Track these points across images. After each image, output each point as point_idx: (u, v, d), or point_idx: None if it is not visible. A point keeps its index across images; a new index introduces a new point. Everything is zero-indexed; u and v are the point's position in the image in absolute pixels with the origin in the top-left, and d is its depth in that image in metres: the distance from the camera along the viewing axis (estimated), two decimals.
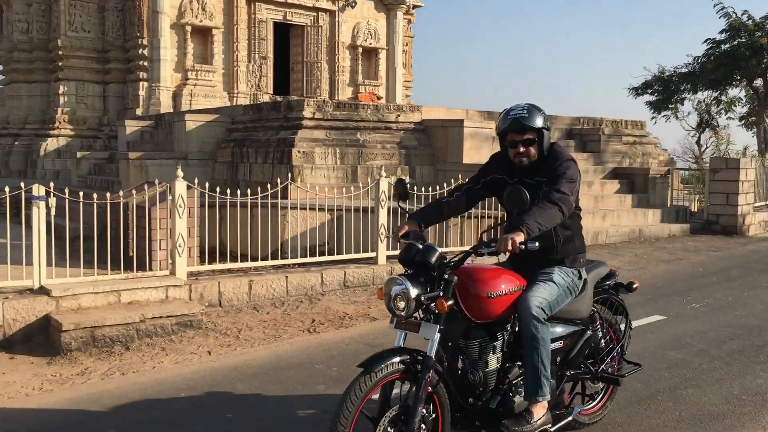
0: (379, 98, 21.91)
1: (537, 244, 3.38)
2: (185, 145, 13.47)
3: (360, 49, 22.66)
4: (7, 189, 6.62)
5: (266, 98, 20.48)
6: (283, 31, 21.89)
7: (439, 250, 3.44)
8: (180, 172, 7.56)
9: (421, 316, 3.50)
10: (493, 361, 3.64)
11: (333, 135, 11.98)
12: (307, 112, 11.95)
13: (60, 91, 19.75)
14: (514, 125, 3.73)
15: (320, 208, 9.94)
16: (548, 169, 3.73)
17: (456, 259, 3.61)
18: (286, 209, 10.05)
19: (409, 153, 12.56)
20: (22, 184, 6.68)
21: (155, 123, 16.62)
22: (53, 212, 6.64)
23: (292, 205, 9.97)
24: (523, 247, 3.36)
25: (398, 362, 3.34)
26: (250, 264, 8.20)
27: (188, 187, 7.64)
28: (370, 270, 8.56)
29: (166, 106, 19.04)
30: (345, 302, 7.94)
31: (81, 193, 7.18)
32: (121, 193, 7.71)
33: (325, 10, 21.92)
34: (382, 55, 23.25)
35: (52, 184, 6.77)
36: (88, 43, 19.87)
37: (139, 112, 19.09)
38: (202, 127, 13.61)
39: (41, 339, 6.36)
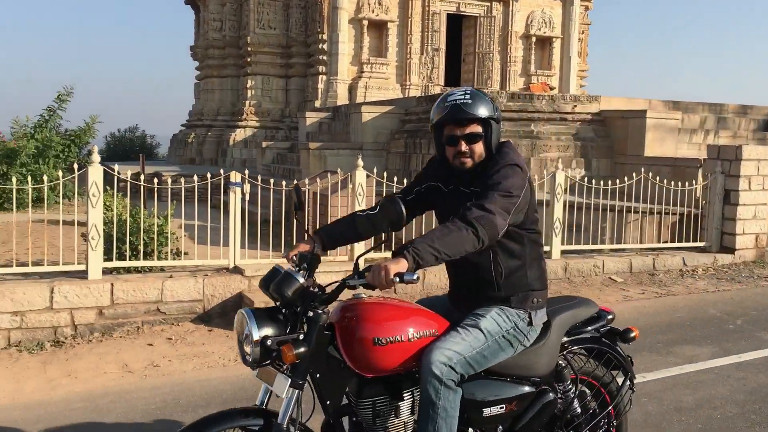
0: (551, 89, 21.35)
1: (416, 276, 2.42)
2: (361, 136, 13.96)
3: (533, 39, 22.20)
4: (208, 175, 7.24)
5: (437, 90, 20.69)
6: (455, 23, 21.95)
7: (301, 280, 2.53)
8: (360, 162, 7.85)
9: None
10: (397, 429, 2.75)
11: (506, 126, 11.85)
12: None
13: (248, 85, 21.19)
14: (453, 115, 2.76)
15: None
16: (484, 177, 2.76)
17: (329, 291, 2.65)
18: None
19: (585, 145, 12.14)
20: (222, 171, 7.27)
21: (332, 114, 17.37)
22: (247, 198, 7.17)
23: None
24: (397, 280, 2.41)
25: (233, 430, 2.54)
26: None
27: (367, 176, 7.91)
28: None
29: (342, 98, 19.83)
30: None
31: (272, 181, 7.67)
32: (306, 180, 8.15)
33: (499, 0, 21.69)
34: (557, 44, 22.61)
35: (246, 172, 7.31)
36: (273, 40, 21.12)
37: (317, 104, 20.02)
38: (377, 118, 14.03)
39: (232, 314, 6.91)
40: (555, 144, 11.95)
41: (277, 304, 2.62)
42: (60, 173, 7.02)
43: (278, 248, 7.69)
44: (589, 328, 3.20)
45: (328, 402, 2.68)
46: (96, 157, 6.59)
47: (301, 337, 2.52)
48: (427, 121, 13.20)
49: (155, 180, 7.33)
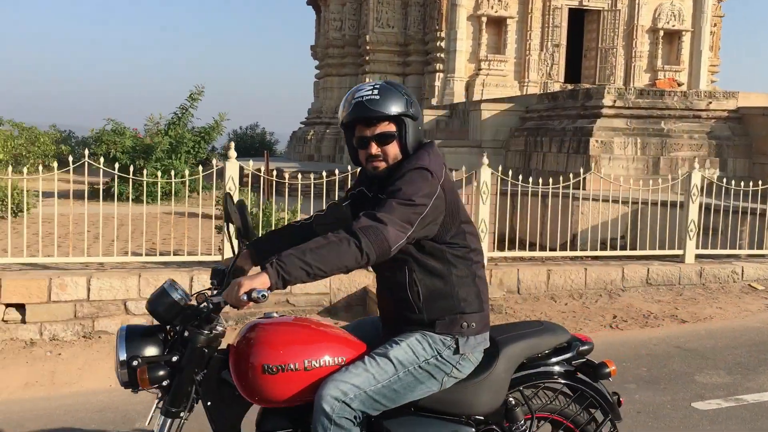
0: (679, 84, 20.31)
1: (264, 294, 2.10)
2: (479, 134, 13.85)
3: (660, 33, 21.21)
4: (349, 168, 7.41)
5: (557, 87, 20.19)
6: (576, 18, 21.33)
7: (175, 297, 2.29)
8: (485, 160, 7.78)
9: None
10: None
11: (634, 124, 11.40)
12: (607, 100, 11.51)
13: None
14: (358, 113, 2.41)
15: (616, 201, 9.56)
16: (388, 182, 2.42)
17: (205, 306, 2.33)
18: (582, 200, 9.86)
19: (720, 144, 11.47)
20: (349, 168, 7.41)
21: (450, 112, 17.33)
22: None
23: (587, 196, 9.74)
24: (244, 299, 2.11)
25: None
26: (546, 254, 8.18)
27: (491, 174, 7.83)
28: (675, 268, 8.02)
29: (458, 95, 19.75)
30: (648, 300, 7.54)
31: None
32: None
33: None
34: (686, 38, 21.49)
35: None
36: (391, 38, 21.33)
37: (434, 101, 20.04)
38: (496, 116, 13.87)
39: (359, 309, 7.03)
40: (687, 143, 11.37)
41: (157, 322, 2.38)
42: (200, 168, 7.39)
43: None
44: (554, 359, 2.70)
45: None
46: (233, 153, 6.89)
47: (174, 358, 2.29)
48: (548, 119, 12.97)
49: (285, 175, 7.57)
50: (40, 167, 6.79)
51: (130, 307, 6.31)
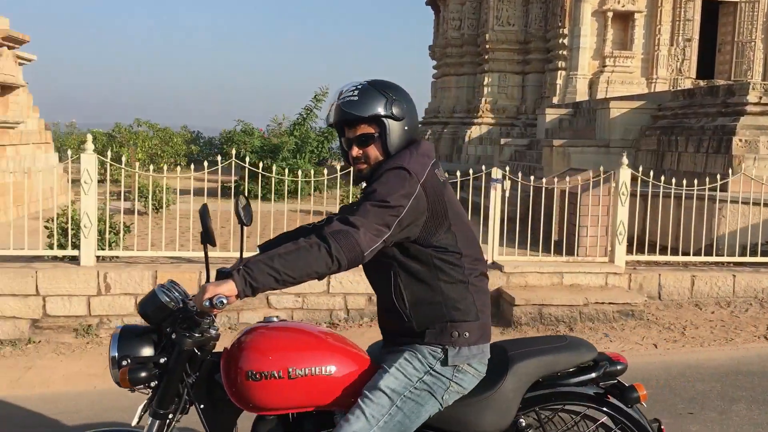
0: None
1: (224, 301, 2.08)
2: (607, 133, 13.36)
3: None
4: (470, 171, 7.35)
5: (688, 83, 19.18)
6: (710, 10, 20.18)
7: (164, 299, 2.28)
8: (625, 160, 7.50)
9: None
10: None
11: None
12: (752, 97, 10.80)
13: (484, 83, 21.30)
14: (339, 115, 2.37)
15: (766, 204, 8.95)
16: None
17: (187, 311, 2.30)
18: (724, 202, 9.30)
19: None
20: (484, 167, 7.33)
21: (573, 110, 16.85)
22: (507, 194, 7.17)
23: (732, 198, 9.16)
24: (207, 305, 2.10)
25: None
26: (689, 258, 7.77)
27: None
28: None
29: (581, 94, 19.16)
30: None
31: (532, 178, 7.60)
32: (555, 179, 7.94)
33: None
34: None
35: (507, 168, 7.30)
36: (511, 36, 21.00)
37: (555, 100, 19.55)
38: (626, 114, 13.33)
39: (492, 310, 6.94)
40: None
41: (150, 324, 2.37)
42: (338, 167, 7.56)
43: (536, 247, 7.60)
44: (576, 379, 2.48)
45: None
46: None
47: (162, 360, 2.27)
48: (684, 117, 12.33)
49: None
50: (178, 167, 7.13)
51: (272, 301, 6.53)
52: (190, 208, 7.05)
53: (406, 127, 2.40)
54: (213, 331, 2.30)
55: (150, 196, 7.91)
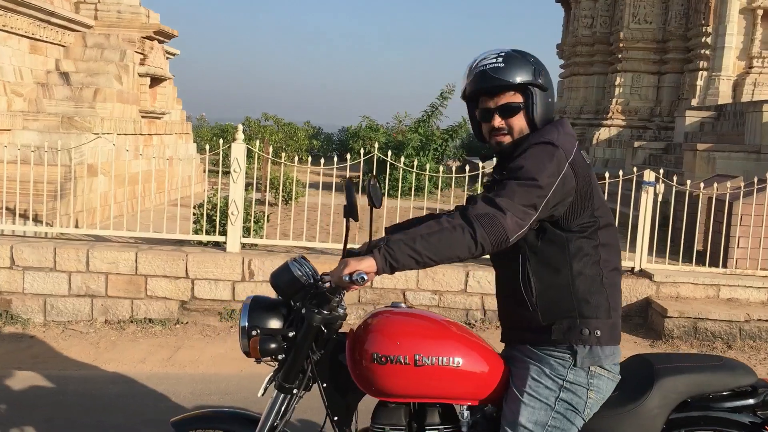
0: None
1: (365, 277, 2.01)
2: (759, 138, 12.42)
3: None
4: (620, 173, 6.97)
5: None
6: None
7: (296, 272, 2.23)
8: None
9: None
10: None
11: None
12: None
13: (616, 83, 20.43)
14: (480, 83, 2.20)
15: None
16: (510, 160, 2.19)
17: (326, 287, 2.21)
18: None
19: None
20: (635, 169, 6.93)
21: (717, 113, 15.84)
22: (660, 198, 6.74)
23: None
24: (347, 279, 2.02)
25: None
26: None
27: None
28: None
29: (724, 96, 17.97)
30: None
31: (688, 182, 7.12)
32: (701, 184, 7.39)
33: None
34: None
35: (661, 171, 6.87)
36: (648, 35, 20.02)
37: (694, 102, 18.46)
38: None
39: (639, 320, 6.55)
40: None
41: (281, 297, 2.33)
42: (455, 166, 7.39)
43: (675, 257, 7.10)
44: (731, 404, 2.22)
45: (336, 418, 2.33)
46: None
47: (291, 334, 2.23)
48: None
49: None
50: (301, 161, 7.16)
51: (409, 296, 6.45)
52: (318, 201, 7.10)
53: (549, 99, 2.24)
54: (341, 310, 2.28)
55: (280, 188, 8.02)
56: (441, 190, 14.37)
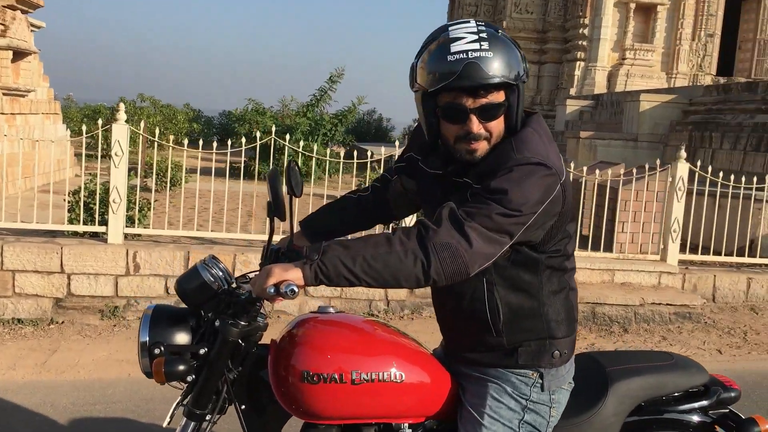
0: None
1: (296, 289, 1.69)
2: (635, 126, 13.00)
3: None
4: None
5: (708, 79, 18.86)
6: (733, 6, 19.83)
7: (207, 277, 1.90)
8: (683, 153, 7.10)
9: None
10: None
11: None
12: None
13: None
14: (468, 79, 1.71)
15: None
16: (483, 169, 1.78)
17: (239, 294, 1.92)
18: (761, 202, 8.96)
19: None
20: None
21: (595, 102, 16.49)
22: None
23: None
24: (272, 291, 1.70)
25: None
26: (744, 260, 7.43)
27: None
28: None
29: (600, 86, 18.81)
30: None
31: (572, 165, 7.21)
32: (584, 170, 7.55)
33: None
34: None
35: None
36: (529, 25, 20.60)
37: (572, 91, 19.20)
38: (656, 108, 12.97)
39: None
40: None
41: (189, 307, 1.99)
42: (342, 152, 7.16)
43: (581, 241, 7.22)
44: (686, 406, 2.12)
45: None
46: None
47: (202, 351, 1.89)
48: (719, 112, 11.95)
49: None
50: (200, 142, 6.69)
51: (309, 288, 6.13)
52: (210, 189, 6.64)
53: (524, 93, 1.84)
54: (261, 320, 1.93)
55: (168, 173, 7.42)
56: (330, 175, 14.06)
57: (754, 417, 2.14)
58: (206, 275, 1.90)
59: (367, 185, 2.34)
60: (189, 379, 1.90)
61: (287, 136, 6.90)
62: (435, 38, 1.77)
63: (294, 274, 1.69)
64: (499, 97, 1.75)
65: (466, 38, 1.71)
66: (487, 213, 1.67)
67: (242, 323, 1.87)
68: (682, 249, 7.28)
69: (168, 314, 1.95)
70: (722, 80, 18.16)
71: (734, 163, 10.62)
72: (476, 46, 1.70)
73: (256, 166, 9.71)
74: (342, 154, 18.93)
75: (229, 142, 6.59)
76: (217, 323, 1.88)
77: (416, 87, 1.82)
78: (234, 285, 1.95)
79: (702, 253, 7.50)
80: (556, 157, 1.79)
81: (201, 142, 6.69)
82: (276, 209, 1.96)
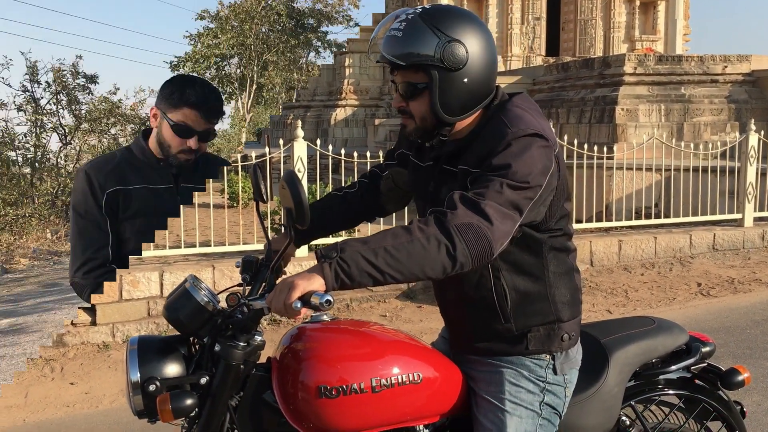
0: (655, 53, 20.47)
1: (328, 299, 1.53)
2: None
3: (637, 2, 21.27)
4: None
5: (539, 60, 20.08)
6: None
7: (200, 299, 1.72)
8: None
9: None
10: None
11: (656, 91, 11.30)
12: (628, 68, 11.39)
13: (345, 64, 21.01)
14: (382, 53, 1.78)
15: (648, 169, 9.49)
16: (479, 152, 1.75)
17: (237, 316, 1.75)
18: (612, 170, 9.71)
19: (738, 108, 11.48)
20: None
21: None
22: None
23: (618, 166, 9.59)
24: (299, 306, 1.54)
25: None
26: (613, 224, 8.00)
27: None
28: (739, 233, 7.94)
29: None
30: (720, 266, 7.42)
31: None
32: None
33: None
34: (661, 8, 21.62)
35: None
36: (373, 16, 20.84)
37: None
38: (504, 89, 13.58)
39: None
40: (707, 107, 11.34)
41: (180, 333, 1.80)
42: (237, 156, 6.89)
43: None
44: (674, 366, 2.19)
45: None
46: (300, 133, 6.43)
47: (203, 380, 1.72)
48: (561, 89, 12.76)
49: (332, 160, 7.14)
50: None
51: None
52: None
53: (465, 80, 1.74)
54: (258, 338, 1.75)
55: None
56: None
57: (735, 367, 2.24)
58: (200, 297, 1.71)
59: (351, 182, 2.25)
60: (192, 414, 1.71)
61: None
62: (388, 17, 1.82)
63: (318, 282, 1.54)
64: (417, 77, 1.74)
65: (400, 17, 1.75)
66: (497, 189, 1.63)
67: (242, 344, 1.71)
68: None
69: (155, 345, 1.74)
70: (551, 60, 19.41)
71: (581, 136, 11.37)
72: (397, 25, 1.74)
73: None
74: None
75: None
76: (216, 347, 1.72)
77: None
78: (227, 303, 1.76)
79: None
80: (549, 129, 1.79)
81: None
82: (258, 196, 1.86)
